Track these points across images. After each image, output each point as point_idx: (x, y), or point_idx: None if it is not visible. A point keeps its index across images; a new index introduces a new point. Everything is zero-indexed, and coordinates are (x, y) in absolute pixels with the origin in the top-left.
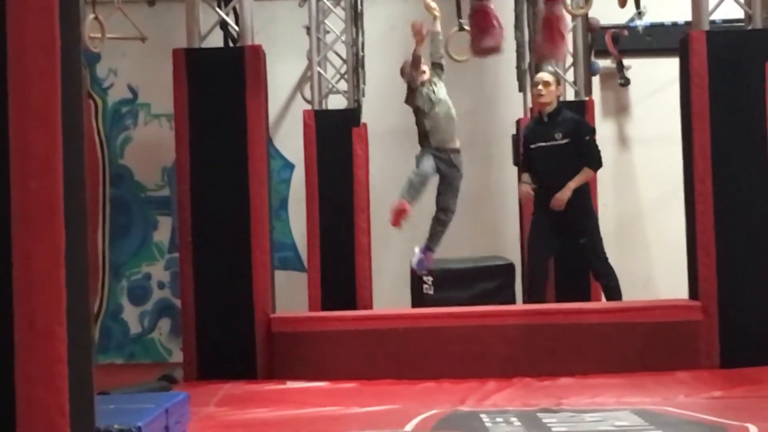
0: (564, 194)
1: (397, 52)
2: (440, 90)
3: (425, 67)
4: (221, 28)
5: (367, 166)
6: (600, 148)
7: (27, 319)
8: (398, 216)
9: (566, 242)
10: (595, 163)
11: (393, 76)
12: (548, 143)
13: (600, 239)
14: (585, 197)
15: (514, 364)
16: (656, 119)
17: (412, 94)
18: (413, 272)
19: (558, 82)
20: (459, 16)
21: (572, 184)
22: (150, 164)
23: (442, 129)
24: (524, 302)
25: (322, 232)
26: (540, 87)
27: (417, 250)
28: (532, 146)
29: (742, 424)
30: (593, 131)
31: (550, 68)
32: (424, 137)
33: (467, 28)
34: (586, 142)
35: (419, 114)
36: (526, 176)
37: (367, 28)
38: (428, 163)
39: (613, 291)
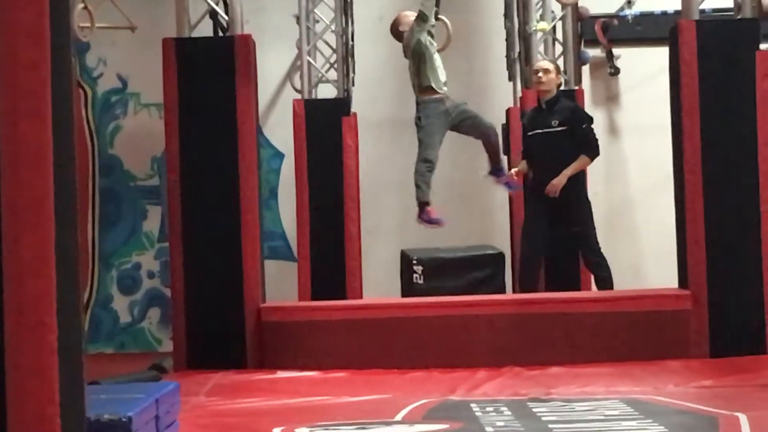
0: (559, 181)
1: (387, 41)
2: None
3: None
4: (211, 17)
5: (357, 156)
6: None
7: (17, 309)
8: (435, 225)
9: (560, 231)
10: (592, 151)
11: (383, 66)
12: (544, 130)
13: (593, 229)
14: (580, 186)
15: (504, 353)
16: (646, 108)
17: (410, 42)
18: (403, 261)
19: (558, 71)
20: (437, 5)
21: (568, 171)
22: (140, 154)
23: (441, 72)
24: (514, 291)
25: (312, 222)
26: (540, 74)
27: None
28: (530, 133)
29: (732, 413)
30: (590, 119)
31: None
32: (426, 81)
33: (443, 18)
34: (583, 130)
35: (422, 54)
36: (522, 163)
37: (357, 17)
38: (431, 140)
39: (604, 281)
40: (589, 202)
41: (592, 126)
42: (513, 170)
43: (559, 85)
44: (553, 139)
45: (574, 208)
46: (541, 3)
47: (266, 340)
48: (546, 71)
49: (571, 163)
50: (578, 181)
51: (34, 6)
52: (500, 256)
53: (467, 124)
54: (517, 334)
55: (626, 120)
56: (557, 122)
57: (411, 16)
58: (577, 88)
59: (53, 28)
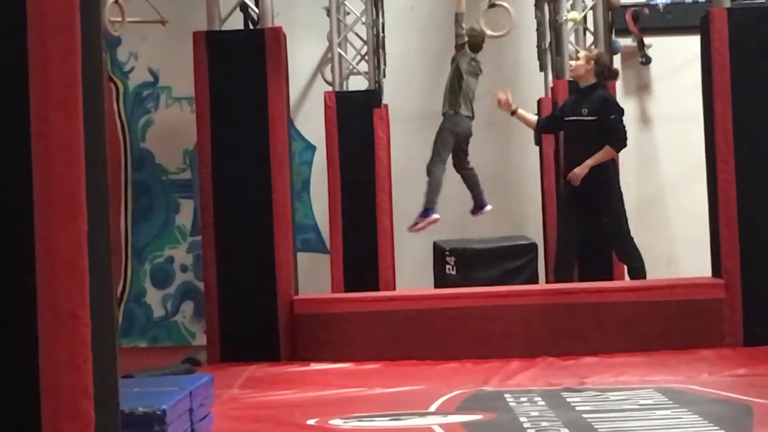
0: (581, 170)
1: (418, 32)
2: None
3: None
4: (241, 10)
5: (389, 147)
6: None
7: (50, 302)
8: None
9: (592, 221)
10: (617, 142)
11: (414, 57)
12: (575, 118)
13: (625, 219)
14: (610, 176)
15: (537, 343)
16: (677, 97)
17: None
18: (436, 252)
19: (589, 59)
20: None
21: (590, 162)
22: (171, 147)
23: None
24: (547, 281)
25: (344, 214)
26: (571, 62)
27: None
28: (565, 119)
29: (766, 402)
30: (621, 111)
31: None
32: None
33: (500, 2)
34: (611, 120)
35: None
36: (531, 115)
37: (387, 8)
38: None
39: (637, 272)
40: (620, 193)
41: (622, 117)
42: (519, 110)
43: (602, 74)
44: (582, 127)
45: (603, 198)
46: None
47: (299, 332)
48: (577, 58)
49: (596, 152)
50: (607, 171)
51: (65, 0)
52: (533, 246)
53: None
54: (550, 325)
55: (658, 109)
56: (587, 111)
57: None
58: None
59: (84, 23)
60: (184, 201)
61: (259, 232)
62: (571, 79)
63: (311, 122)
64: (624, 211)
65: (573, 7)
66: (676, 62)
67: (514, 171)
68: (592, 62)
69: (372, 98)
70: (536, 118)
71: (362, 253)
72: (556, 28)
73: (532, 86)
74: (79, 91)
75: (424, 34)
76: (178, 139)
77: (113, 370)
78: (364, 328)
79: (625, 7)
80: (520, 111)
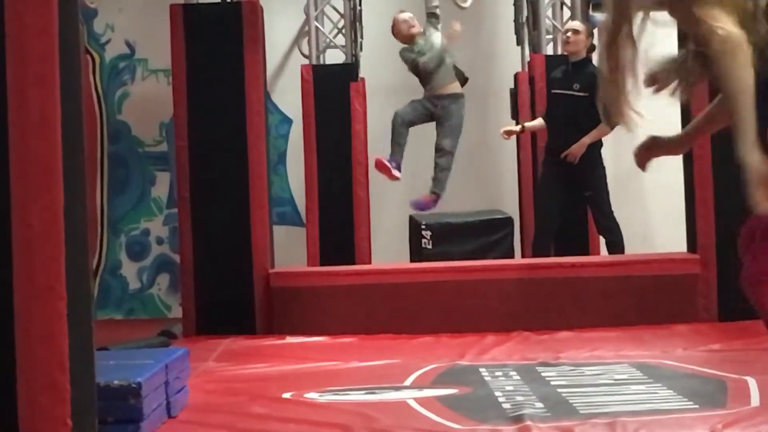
0: (579, 149)
1: (395, 6)
2: (429, 40)
3: (415, 23)
4: None
5: (365, 121)
6: None
7: (26, 275)
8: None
9: (572, 194)
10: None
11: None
12: (566, 92)
13: (606, 194)
14: (595, 151)
15: (513, 318)
16: None
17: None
18: (412, 226)
19: (588, 33)
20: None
21: (587, 140)
22: (148, 120)
23: (432, 77)
24: (523, 256)
25: (320, 187)
26: (569, 34)
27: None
28: (553, 92)
29: (740, 377)
30: None
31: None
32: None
33: None
34: None
35: (414, 65)
36: (538, 121)
37: None
38: (404, 109)
39: (616, 245)
40: (603, 167)
41: None
42: (524, 124)
43: (591, 48)
44: (573, 103)
45: (587, 172)
46: None
47: (275, 305)
48: (575, 32)
49: (587, 129)
50: (594, 145)
51: None
52: (509, 220)
53: (440, 130)
54: (525, 299)
55: None
56: (579, 86)
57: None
58: None
59: None
60: (160, 173)
61: (235, 205)
62: (549, 54)
63: (288, 95)
64: (606, 184)
65: None
66: (654, 36)
67: (490, 145)
68: (590, 37)
69: (349, 72)
70: (540, 120)
71: (338, 227)
72: (534, 2)
73: (509, 60)
74: (56, 64)
75: (401, 7)
76: (155, 111)
77: (89, 342)
78: (340, 301)
79: None
80: (527, 124)
